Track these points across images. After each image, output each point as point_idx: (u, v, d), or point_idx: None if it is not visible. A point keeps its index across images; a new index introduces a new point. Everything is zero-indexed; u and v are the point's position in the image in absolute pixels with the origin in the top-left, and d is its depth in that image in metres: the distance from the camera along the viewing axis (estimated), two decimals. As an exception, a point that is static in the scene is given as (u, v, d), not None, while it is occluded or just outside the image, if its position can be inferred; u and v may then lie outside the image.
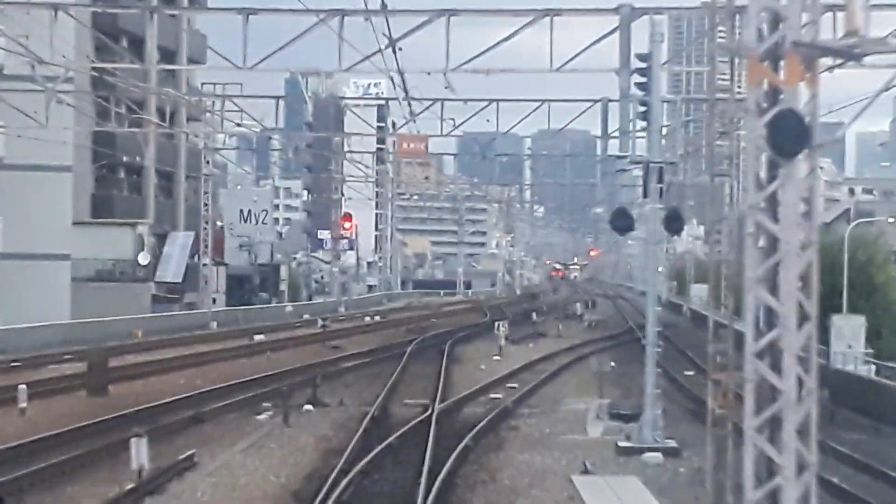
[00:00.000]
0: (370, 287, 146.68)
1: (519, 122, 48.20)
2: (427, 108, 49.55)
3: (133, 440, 21.57)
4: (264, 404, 32.86)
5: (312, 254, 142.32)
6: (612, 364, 46.30)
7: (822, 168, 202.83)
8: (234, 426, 30.01)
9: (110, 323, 60.73)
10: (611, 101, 45.20)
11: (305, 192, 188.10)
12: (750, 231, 10.77)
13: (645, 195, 26.94)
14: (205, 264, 71.91)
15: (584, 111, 47.37)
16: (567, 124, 48.28)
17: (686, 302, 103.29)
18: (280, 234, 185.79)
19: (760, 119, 10.72)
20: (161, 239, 74.68)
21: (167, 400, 33.36)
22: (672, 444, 26.41)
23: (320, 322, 57.15)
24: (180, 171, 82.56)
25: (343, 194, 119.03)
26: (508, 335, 57.67)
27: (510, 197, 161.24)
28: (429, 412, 31.97)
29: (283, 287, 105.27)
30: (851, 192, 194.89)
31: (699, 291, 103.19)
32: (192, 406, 32.60)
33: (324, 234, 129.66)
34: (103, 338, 56.52)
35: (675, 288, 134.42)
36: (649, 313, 27.44)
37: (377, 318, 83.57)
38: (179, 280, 71.21)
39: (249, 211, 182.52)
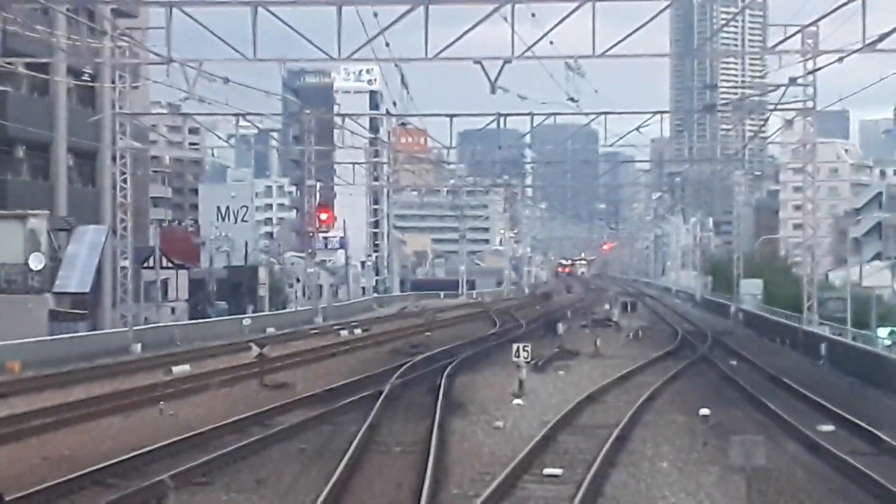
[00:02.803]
0: (364, 290, 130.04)
1: (551, 30, 30.61)
2: (405, 13, 32.10)
3: None
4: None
5: (296, 254, 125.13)
6: (703, 414, 28.56)
7: (846, 151, 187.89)
8: None
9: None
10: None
11: (294, 188, 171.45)
12: None
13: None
14: (123, 267, 54.14)
15: (657, 14, 29.59)
16: (630, 35, 30.60)
17: (735, 301, 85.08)
18: (271, 233, 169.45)
19: None
20: (69, 236, 56.90)
21: None
22: None
23: (255, 349, 39.13)
24: (104, 149, 64.69)
25: (331, 181, 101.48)
26: (530, 359, 39.40)
27: (513, 187, 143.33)
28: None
29: (263, 292, 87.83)
30: (882, 174, 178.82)
31: (751, 288, 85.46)
32: None
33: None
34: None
35: (711, 283, 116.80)
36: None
37: (358, 331, 66.12)
38: (86, 290, 53.31)
39: (227, 208, 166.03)
